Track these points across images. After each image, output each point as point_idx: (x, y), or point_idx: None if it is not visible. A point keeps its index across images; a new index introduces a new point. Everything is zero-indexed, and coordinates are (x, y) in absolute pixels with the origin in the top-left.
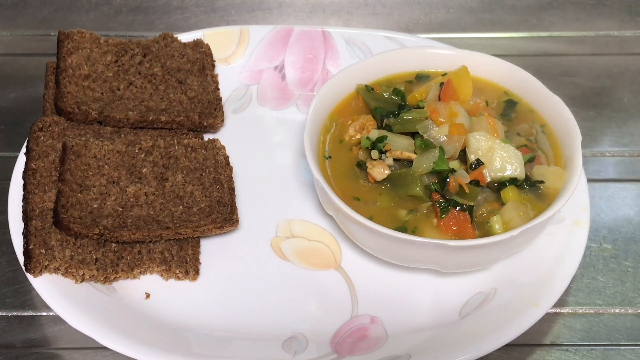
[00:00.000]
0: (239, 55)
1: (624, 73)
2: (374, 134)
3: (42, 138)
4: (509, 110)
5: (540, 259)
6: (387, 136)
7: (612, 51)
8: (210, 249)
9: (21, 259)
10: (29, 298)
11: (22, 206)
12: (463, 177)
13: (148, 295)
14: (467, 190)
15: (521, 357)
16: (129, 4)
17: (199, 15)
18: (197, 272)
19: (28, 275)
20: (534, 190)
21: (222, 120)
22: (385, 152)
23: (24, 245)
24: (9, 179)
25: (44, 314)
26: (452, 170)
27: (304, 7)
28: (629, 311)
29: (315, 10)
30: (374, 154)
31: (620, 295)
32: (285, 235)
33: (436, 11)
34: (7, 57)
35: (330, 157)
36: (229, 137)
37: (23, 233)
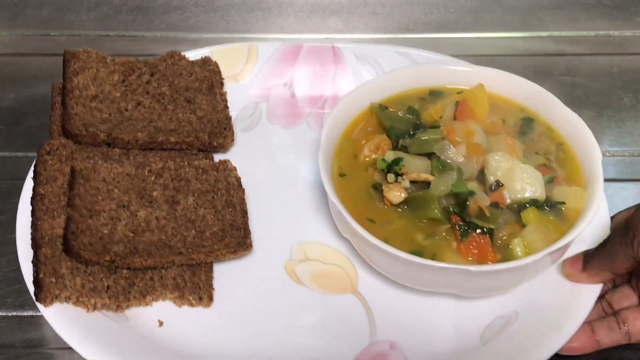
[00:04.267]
0: (248, 73)
1: (624, 73)
2: (390, 155)
3: (50, 162)
4: (526, 128)
5: (561, 281)
6: (403, 158)
7: (612, 51)
8: (223, 273)
9: (31, 288)
10: (29, 298)
11: (31, 233)
12: (483, 200)
13: (161, 323)
14: (487, 214)
15: None
16: (129, 4)
17: (199, 15)
18: (210, 298)
19: (38, 305)
20: (554, 212)
21: (232, 140)
22: (401, 174)
23: (33, 274)
24: (9, 178)
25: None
26: (472, 193)
27: (304, 7)
28: None
29: (315, 10)
30: (390, 177)
31: None
32: (299, 259)
33: (436, 11)
34: (7, 57)
35: (344, 174)
36: (239, 156)
37: (32, 261)
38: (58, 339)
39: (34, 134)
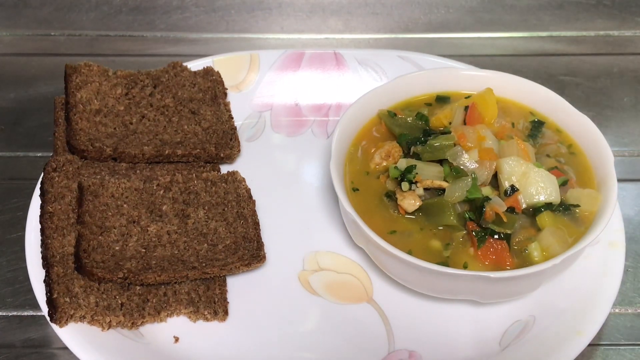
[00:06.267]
0: (250, 82)
1: (624, 73)
2: (402, 163)
3: (57, 179)
4: (536, 131)
5: (577, 284)
6: (415, 165)
7: (612, 51)
8: (237, 286)
9: (44, 307)
10: (29, 298)
11: (42, 252)
12: (499, 205)
13: (177, 339)
14: (504, 219)
15: None
16: (129, 4)
17: (199, 15)
18: (226, 312)
19: (53, 325)
20: (569, 215)
21: (239, 151)
22: (415, 182)
23: (47, 294)
24: (7, 178)
25: (44, 314)
26: (487, 198)
27: (304, 7)
28: (629, 311)
29: (315, 10)
30: (405, 185)
31: (620, 295)
32: (312, 269)
33: (436, 11)
34: (7, 57)
35: (357, 189)
36: (245, 167)
37: (44, 281)
38: (58, 339)
39: (34, 134)
